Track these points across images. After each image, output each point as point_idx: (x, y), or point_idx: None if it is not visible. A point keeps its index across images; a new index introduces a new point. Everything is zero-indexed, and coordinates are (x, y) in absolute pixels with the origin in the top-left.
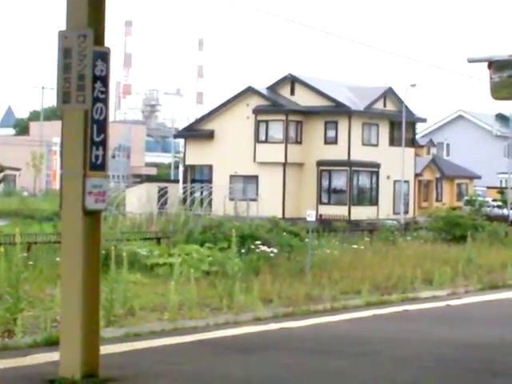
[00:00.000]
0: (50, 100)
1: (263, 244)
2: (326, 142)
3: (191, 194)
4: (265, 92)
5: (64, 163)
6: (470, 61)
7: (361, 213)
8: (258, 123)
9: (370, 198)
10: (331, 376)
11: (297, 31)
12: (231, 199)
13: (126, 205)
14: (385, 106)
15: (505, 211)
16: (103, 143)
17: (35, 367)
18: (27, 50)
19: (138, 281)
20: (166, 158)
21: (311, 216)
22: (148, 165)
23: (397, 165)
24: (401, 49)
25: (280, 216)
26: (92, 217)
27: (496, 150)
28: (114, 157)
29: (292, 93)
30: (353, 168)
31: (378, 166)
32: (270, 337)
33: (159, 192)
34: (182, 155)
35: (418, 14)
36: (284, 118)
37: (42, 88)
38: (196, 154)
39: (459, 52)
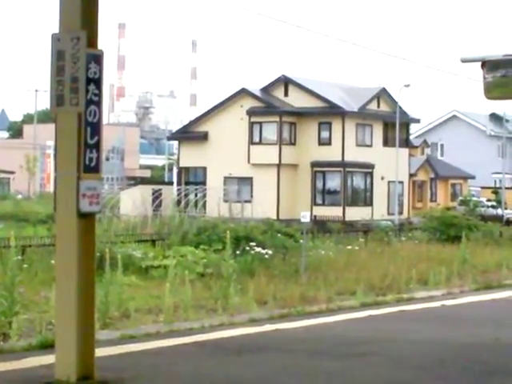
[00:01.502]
0: (44, 103)
1: (258, 245)
2: (319, 143)
3: (185, 196)
4: (258, 93)
5: (58, 166)
6: (464, 61)
7: (355, 214)
8: (251, 125)
9: (364, 198)
10: (327, 377)
11: (290, 32)
12: (225, 201)
13: (120, 207)
14: (378, 106)
15: (499, 211)
16: (97, 146)
17: (31, 370)
18: (20, 53)
19: (133, 283)
20: (160, 160)
21: (305, 217)
22: (142, 167)
23: (391, 165)
24: (394, 49)
25: (274, 217)
26: (86, 219)
27: (490, 150)
28: (107, 159)
29: (286, 94)
30: (347, 169)
31: (372, 166)
32: (265, 338)
33: (153, 194)
34: (176, 157)
35: (411, 14)
36: (278, 119)
37: (36, 91)
38: (190, 156)
39: (452, 52)
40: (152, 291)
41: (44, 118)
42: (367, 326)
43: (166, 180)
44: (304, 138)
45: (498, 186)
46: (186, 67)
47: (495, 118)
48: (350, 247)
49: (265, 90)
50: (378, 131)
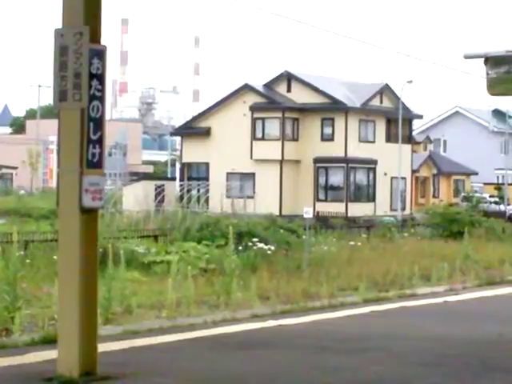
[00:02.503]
0: (47, 98)
1: (260, 241)
2: (322, 139)
3: (188, 191)
4: (261, 89)
5: (61, 161)
6: (467, 57)
7: (358, 209)
8: (254, 120)
9: (367, 194)
10: (330, 372)
11: (293, 28)
12: (228, 197)
13: (122, 203)
14: (381, 102)
15: (502, 207)
16: (100, 141)
17: (33, 365)
18: (23, 48)
19: (136, 279)
20: (162, 156)
21: (308, 213)
22: (145, 163)
23: (394, 161)
24: (397, 45)
25: (277, 213)
26: (89, 215)
27: (493, 146)
28: (110, 155)
29: (288, 90)
30: (350, 165)
31: (374, 162)
32: (267, 334)
33: (156, 190)
34: (178, 153)
35: (414, 9)
36: (280, 115)
37: (39, 86)
38: (193, 152)
39: (455, 48)
40: (154, 287)
41: (47, 113)
42: (369, 321)
43: (169, 176)
44: (307, 134)
45: (500, 182)
46: (189, 63)
47: (498, 114)
48: (352, 243)
49: (268, 85)
50: (380, 127)
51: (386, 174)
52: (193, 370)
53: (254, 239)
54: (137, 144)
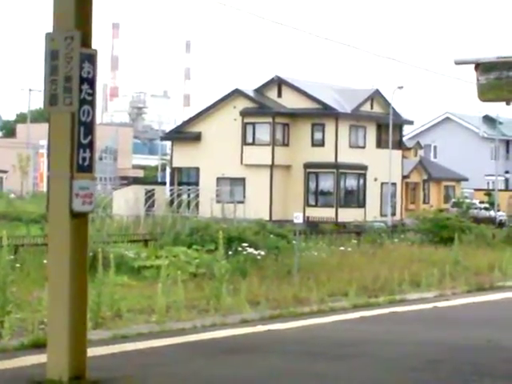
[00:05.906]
0: (37, 102)
1: (250, 246)
2: (313, 145)
3: (178, 196)
4: (252, 94)
5: (51, 165)
6: (457, 63)
7: (348, 215)
8: (245, 125)
9: (357, 200)
10: (318, 378)
11: (284, 33)
12: (218, 201)
13: (113, 207)
14: (372, 108)
15: (492, 213)
16: (90, 145)
17: (22, 369)
18: (14, 52)
19: (126, 283)
20: (153, 161)
21: (298, 218)
22: (135, 167)
23: (384, 167)
24: (388, 51)
25: (267, 218)
26: (79, 219)
27: (483, 152)
28: (101, 159)
29: (279, 95)
30: (340, 170)
31: (365, 168)
32: (257, 339)
33: (146, 194)
34: (169, 157)
35: (405, 15)
36: (271, 120)
37: (29, 90)
38: (183, 157)
39: (446, 54)
40: (144, 291)
41: (37, 117)
42: (359, 327)
43: (159, 180)
44: (297, 139)
45: (490, 187)
46: (180, 67)
47: (488, 120)
48: (342, 248)
49: (258, 90)
50: (371, 133)
51: (376, 180)
52: (182, 374)
53: (244, 244)
54: (127, 148)
